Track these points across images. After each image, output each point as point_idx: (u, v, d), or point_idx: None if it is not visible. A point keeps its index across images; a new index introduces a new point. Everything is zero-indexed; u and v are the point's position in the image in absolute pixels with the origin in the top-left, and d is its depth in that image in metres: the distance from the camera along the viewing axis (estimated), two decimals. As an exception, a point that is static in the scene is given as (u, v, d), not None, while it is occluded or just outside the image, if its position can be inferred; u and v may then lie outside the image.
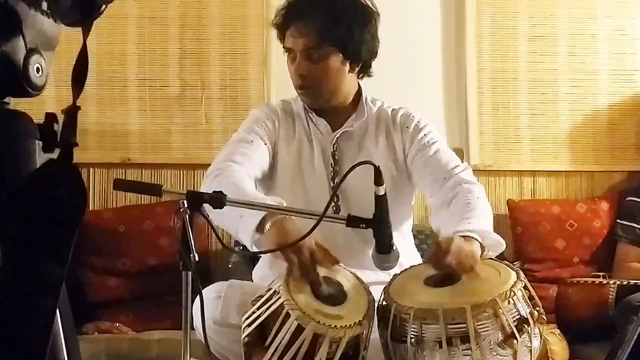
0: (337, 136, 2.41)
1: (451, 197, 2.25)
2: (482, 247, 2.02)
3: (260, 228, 1.99)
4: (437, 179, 2.32)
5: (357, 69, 2.41)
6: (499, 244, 2.09)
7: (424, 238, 3.52)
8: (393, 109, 2.48)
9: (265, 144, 2.37)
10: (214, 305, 2.07)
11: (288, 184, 2.37)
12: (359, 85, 2.48)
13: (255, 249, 2.03)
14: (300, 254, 1.92)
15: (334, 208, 2.31)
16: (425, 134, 2.41)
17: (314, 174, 2.38)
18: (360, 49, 2.35)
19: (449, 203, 2.24)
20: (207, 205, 1.81)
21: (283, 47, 2.40)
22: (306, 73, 2.34)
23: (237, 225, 2.03)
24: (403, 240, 2.05)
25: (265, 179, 2.38)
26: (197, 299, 1.81)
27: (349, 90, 2.44)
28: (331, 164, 2.39)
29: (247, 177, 2.21)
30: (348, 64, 2.37)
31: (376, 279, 2.09)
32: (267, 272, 2.33)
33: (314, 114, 2.43)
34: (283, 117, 2.45)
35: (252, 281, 2.45)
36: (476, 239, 2.01)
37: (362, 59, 2.38)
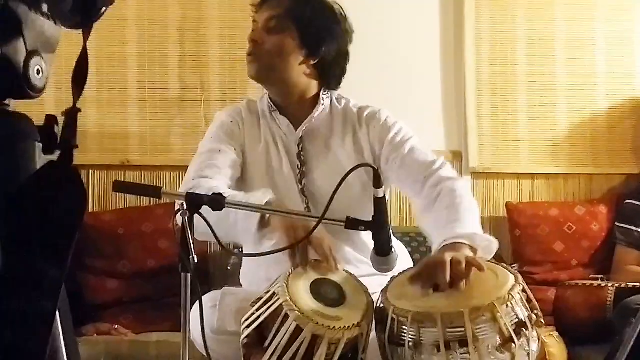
0: (300, 136, 2.37)
1: (434, 197, 2.19)
2: (474, 250, 2.00)
3: (262, 224, 2.01)
4: (417, 180, 2.27)
5: (312, 63, 2.34)
6: (491, 243, 2.06)
7: (422, 240, 3.52)
8: (360, 108, 2.42)
9: (234, 148, 2.34)
10: (210, 315, 2.07)
11: (258, 186, 2.31)
12: (320, 87, 2.41)
13: (261, 245, 2.03)
14: (317, 244, 1.96)
15: (305, 209, 2.30)
16: (396, 133, 2.35)
17: (282, 176, 2.35)
18: (319, 42, 2.32)
19: (432, 203, 2.19)
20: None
21: (253, 21, 2.38)
22: (259, 41, 2.31)
23: (236, 231, 2.03)
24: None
25: (238, 182, 2.34)
26: (194, 307, 1.81)
27: (304, 86, 2.37)
28: (297, 165, 2.36)
29: (220, 186, 2.18)
30: (303, 53, 2.33)
31: (357, 274, 2.07)
32: (254, 278, 2.32)
33: (277, 113, 2.39)
34: (248, 117, 2.41)
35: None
36: (465, 244, 1.97)
37: (320, 54, 2.33)
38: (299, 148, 2.37)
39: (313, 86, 2.40)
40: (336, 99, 2.44)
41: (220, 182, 2.21)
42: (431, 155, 2.33)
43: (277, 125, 2.39)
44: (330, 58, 2.36)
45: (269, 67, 2.33)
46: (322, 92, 2.40)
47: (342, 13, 2.39)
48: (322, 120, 2.40)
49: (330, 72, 2.39)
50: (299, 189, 2.33)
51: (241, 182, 2.36)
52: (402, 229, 3.56)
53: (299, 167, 2.35)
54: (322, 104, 2.38)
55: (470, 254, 1.95)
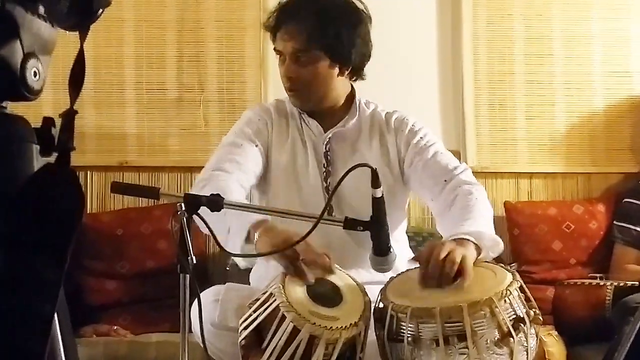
0: (329, 137, 2.41)
1: (451, 200, 2.24)
2: (479, 248, 2.01)
3: (248, 240, 2.00)
4: (438, 182, 2.31)
5: (347, 72, 2.40)
6: (497, 243, 2.08)
7: (421, 240, 3.52)
8: (387, 113, 2.47)
9: (256, 145, 2.36)
10: (211, 309, 2.08)
11: (282, 185, 2.37)
12: (352, 87, 2.48)
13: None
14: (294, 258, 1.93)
15: (328, 209, 2.31)
16: (421, 137, 2.40)
17: (307, 175, 2.38)
18: (350, 52, 2.35)
19: (449, 206, 2.23)
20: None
21: (274, 48, 2.40)
22: (294, 76, 2.34)
23: (226, 239, 2.01)
24: (396, 243, 2.04)
25: (260, 181, 2.38)
26: (195, 302, 1.82)
27: (340, 93, 2.44)
28: (324, 164, 2.39)
29: (233, 186, 2.20)
30: (337, 68, 2.37)
31: (370, 279, 2.09)
32: (264, 274, 2.33)
33: (306, 115, 2.43)
34: (276, 117, 2.44)
35: (250, 284, 2.46)
36: (471, 241, 2.00)
37: (352, 62, 2.37)
38: (325, 148, 2.39)
39: (347, 89, 2.46)
40: (364, 103, 2.49)
41: (235, 182, 2.22)
42: (454, 160, 2.39)
43: (307, 125, 2.42)
44: (360, 58, 2.39)
45: (313, 97, 2.39)
46: (356, 99, 2.45)
47: (358, 5, 2.39)
48: (351, 123, 2.44)
49: (362, 67, 2.43)
50: (324, 187, 2.37)
51: (264, 181, 2.38)
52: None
53: (325, 166, 2.39)
54: (357, 116, 2.44)
55: (474, 252, 1.96)
